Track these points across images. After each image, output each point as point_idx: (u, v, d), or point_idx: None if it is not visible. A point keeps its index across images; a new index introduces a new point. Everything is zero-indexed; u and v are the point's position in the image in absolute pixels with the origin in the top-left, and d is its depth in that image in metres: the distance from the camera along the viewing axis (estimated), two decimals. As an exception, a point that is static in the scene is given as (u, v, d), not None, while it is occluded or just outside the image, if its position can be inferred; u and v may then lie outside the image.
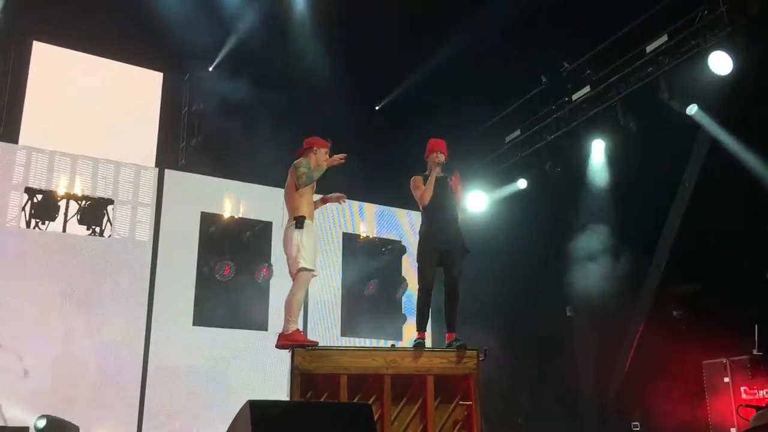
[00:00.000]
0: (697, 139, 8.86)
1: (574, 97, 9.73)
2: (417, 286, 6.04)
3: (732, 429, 7.75)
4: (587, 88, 9.53)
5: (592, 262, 10.09)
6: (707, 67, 7.92)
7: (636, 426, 9.05)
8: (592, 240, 10.12)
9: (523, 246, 10.39)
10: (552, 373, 10.48)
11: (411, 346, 5.72)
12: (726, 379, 8.10)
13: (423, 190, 5.95)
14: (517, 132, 10.77)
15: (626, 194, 9.46)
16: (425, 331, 5.89)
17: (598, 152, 9.96)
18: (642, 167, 9.10)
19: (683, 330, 8.84)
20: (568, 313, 10.50)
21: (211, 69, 10.48)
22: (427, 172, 6.11)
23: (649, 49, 8.62)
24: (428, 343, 10.76)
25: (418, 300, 5.97)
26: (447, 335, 5.86)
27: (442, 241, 5.87)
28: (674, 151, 8.95)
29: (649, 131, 8.94)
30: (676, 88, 8.46)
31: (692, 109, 8.42)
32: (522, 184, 10.81)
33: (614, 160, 9.81)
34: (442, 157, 6.05)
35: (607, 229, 9.73)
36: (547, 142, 10.26)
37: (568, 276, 10.47)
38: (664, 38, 8.41)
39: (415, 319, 6.05)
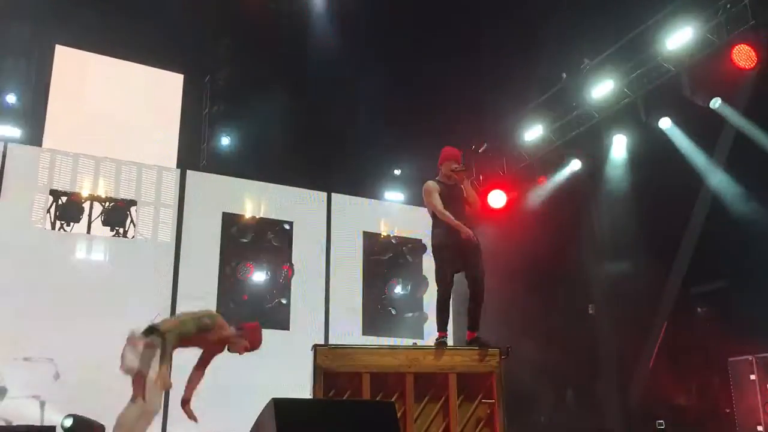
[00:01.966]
0: (721, 134, 8.76)
1: (595, 94, 9.65)
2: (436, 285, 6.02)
3: (759, 426, 7.66)
4: (609, 85, 9.44)
5: (614, 259, 10.01)
6: (730, 61, 7.82)
7: (661, 424, 8.96)
8: (614, 237, 10.04)
9: (545, 244, 10.32)
10: (574, 371, 10.41)
11: (433, 344, 5.72)
12: (752, 376, 8.01)
13: (441, 212, 5.89)
14: (540, 129, 10.70)
15: (649, 190, 9.36)
16: (446, 330, 5.88)
17: (619, 149, 9.87)
18: (665, 163, 9.00)
19: (708, 327, 8.75)
20: (591, 311, 10.42)
21: (231, 70, 10.54)
22: (438, 177, 6.09)
23: (670, 43, 8.52)
24: (450, 341, 10.80)
25: (438, 299, 5.95)
26: (468, 333, 5.85)
27: (458, 240, 5.84)
28: (698, 147, 8.85)
29: (671, 127, 8.86)
30: (698, 83, 8.36)
31: (716, 103, 8.32)
32: (542, 181, 10.74)
33: (636, 156, 9.72)
34: (459, 167, 6.03)
35: (629, 226, 9.65)
36: (568, 139, 10.19)
37: (590, 274, 10.41)
38: (687, 32, 8.31)
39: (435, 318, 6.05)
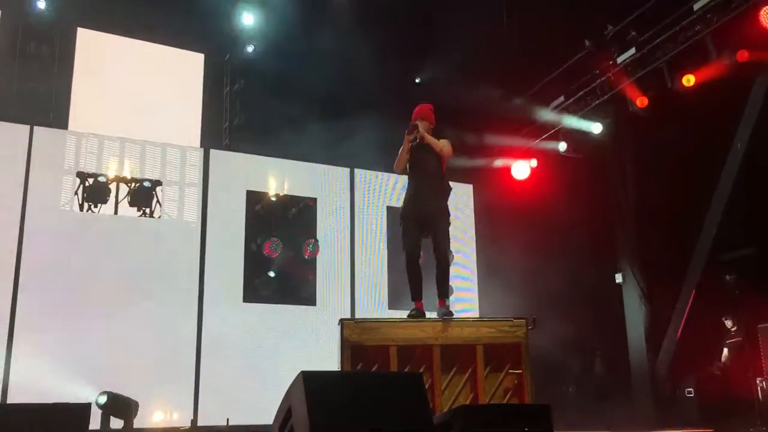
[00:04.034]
0: (749, 99, 8.60)
1: (620, 60, 9.51)
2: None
3: (790, 393, 7.61)
4: (632, 50, 9.30)
5: (641, 227, 9.92)
6: (758, 22, 7.65)
7: (690, 392, 8.94)
8: (640, 204, 9.95)
9: (570, 213, 10.27)
10: (601, 341, 10.40)
11: (461, 317, 5.71)
12: (783, 343, 7.94)
13: (396, 160, 5.83)
14: (561, 98, 10.60)
15: (676, 157, 9.24)
16: (421, 300, 5.82)
17: (644, 114, 9.71)
18: (692, 129, 8.87)
19: (736, 295, 8.67)
20: (618, 281, 10.38)
21: (250, 48, 10.52)
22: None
23: (696, 6, 8.36)
24: (476, 313, 10.83)
25: (406, 268, 5.85)
26: (438, 302, 5.80)
27: (422, 206, 5.76)
28: (724, 112, 8.70)
29: (698, 92, 8.70)
30: (725, 46, 8.20)
31: (744, 55, 8.08)
32: (563, 146, 10.61)
33: (663, 123, 9.57)
34: (419, 126, 5.83)
35: (656, 193, 9.55)
36: (593, 107, 10.08)
37: (617, 242, 10.34)
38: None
39: (414, 288, 5.89)
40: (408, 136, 5.78)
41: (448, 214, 5.85)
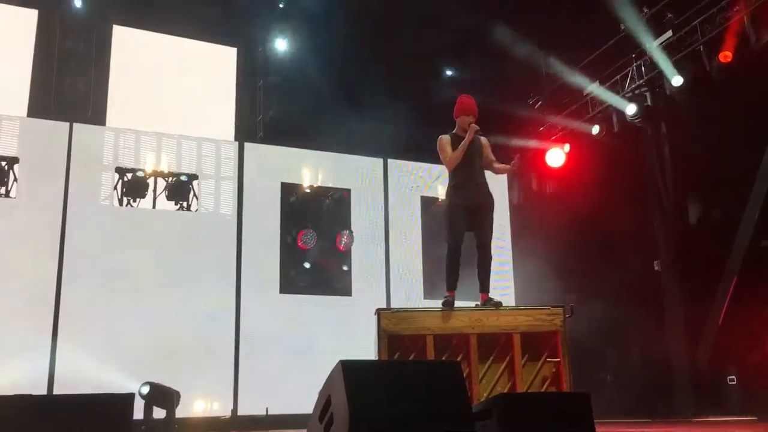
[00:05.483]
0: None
1: (656, 43, 9.34)
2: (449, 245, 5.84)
3: (836, 381, 7.43)
4: (669, 33, 9.12)
5: (679, 213, 9.75)
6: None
7: (732, 380, 8.79)
8: (679, 191, 9.78)
9: (607, 198, 10.14)
10: (640, 329, 10.26)
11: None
12: (828, 330, 7.75)
13: (452, 155, 5.68)
14: (597, 83, 10.44)
15: (715, 142, 9.05)
16: (455, 289, 5.78)
17: (682, 98, 9.52)
18: (731, 113, 8.67)
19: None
20: (657, 268, 10.22)
21: (282, 41, 10.59)
22: (454, 131, 5.87)
23: (734, -13, 8.18)
24: (512, 302, 10.77)
25: (447, 258, 5.79)
26: (481, 296, 5.76)
27: (470, 199, 5.70)
28: (764, 94, 8.48)
29: (736, 74, 8.50)
30: (763, 27, 8.00)
31: None
32: (596, 129, 10.41)
33: (701, 107, 9.38)
34: (472, 121, 5.73)
35: (695, 179, 9.37)
36: (628, 90, 9.92)
37: (656, 229, 10.18)
38: (751, -26, 7.95)
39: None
40: (471, 135, 5.69)
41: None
